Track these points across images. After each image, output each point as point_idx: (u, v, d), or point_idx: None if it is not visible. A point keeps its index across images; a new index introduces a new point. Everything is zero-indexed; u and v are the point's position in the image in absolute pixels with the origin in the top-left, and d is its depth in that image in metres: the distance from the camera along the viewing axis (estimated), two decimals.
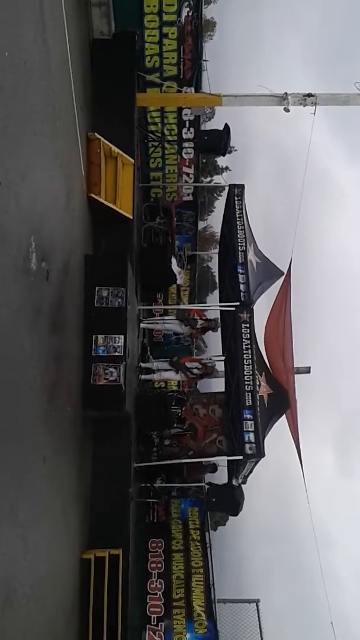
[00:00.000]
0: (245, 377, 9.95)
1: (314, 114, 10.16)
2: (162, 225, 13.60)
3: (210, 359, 12.78)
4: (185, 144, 12.93)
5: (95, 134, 8.29)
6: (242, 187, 11.63)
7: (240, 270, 10.63)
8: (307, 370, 12.50)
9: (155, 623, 9.44)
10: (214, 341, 13.25)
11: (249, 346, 10.18)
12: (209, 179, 33.00)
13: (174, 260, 12.49)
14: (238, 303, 10.42)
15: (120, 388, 7.82)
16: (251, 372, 10.01)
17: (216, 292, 16.34)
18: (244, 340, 10.19)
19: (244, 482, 11.22)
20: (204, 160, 23.74)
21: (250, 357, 10.12)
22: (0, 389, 4.30)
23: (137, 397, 10.02)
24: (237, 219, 11.18)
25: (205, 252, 22.52)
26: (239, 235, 10.96)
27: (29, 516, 4.99)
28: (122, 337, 8.01)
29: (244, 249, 10.84)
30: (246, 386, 9.89)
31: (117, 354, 7.91)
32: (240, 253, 10.78)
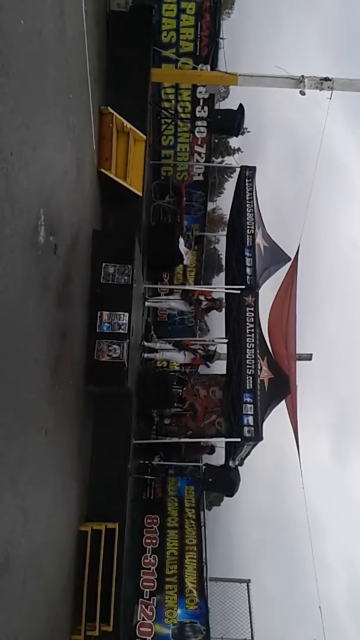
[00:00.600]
0: (247, 361, 9.98)
1: (330, 98, 10.03)
2: (171, 204, 13.52)
3: (213, 341, 12.81)
4: (198, 123, 12.79)
5: (108, 108, 8.19)
6: (253, 169, 11.52)
7: (247, 254, 10.60)
8: (309, 357, 12.54)
9: (147, 597, 9.62)
10: (217, 323, 13.27)
11: (252, 330, 10.19)
12: (220, 159, 32.70)
13: (181, 240, 12.43)
14: (244, 286, 10.41)
15: (122, 365, 7.85)
16: (253, 356, 10.04)
17: (222, 275, 16.28)
18: (247, 324, 10.20)
19: (241, 464, 11.32)
20: (216, 140, 23.54)
21: (253, 341, 10.14)
22: (5, 360, 4.32)
23: (139, 375, 10.06)
24: (247, 201, 11.10)
25: (213, 234, 22.44)
26: (248, 218, 10.89)
27: (29, 487, 5.04)
28: (126, 314, 8.01)
29: (253, 232, 10.79)
30: (247, 370, 9.93)
31: (121, 331, 7.93)
32: (248, 236, 10.73)
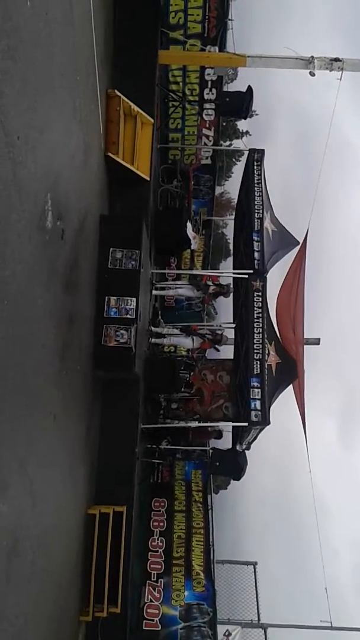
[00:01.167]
0: (255, 346, 9.98)
1: (340, 79, 9.89)
2: (178, 189, 13.43)
3: (220, 326, 12.80)
4: (206, 105, 12.64)
5: (115, 91, 8.10)
6: (262, 152, 11.41)
7: (255, 238, 10.53)
8: (317, 341, 12.49)
9: (155, 579, 9.74)
10: (225, 308, 13.24)
11: (260, 315, 10.17)
12: (228, 142, 32.36)
13: (189, 225, 12.36)
14: (251, 271, 10.37)
15: (130, 350, 7.87)
16: (261, 341, 10.03)
17: (229, 259, 16.22)
18: (255, 308, 10.17)
19: (248, 448, 11.38)
20: (224, 124, 23.29)
21: (260, 325, 10.12)
22: (13, 345, 4.33)
23: (146, 360, 10.08)
24: (256, 184, 11.01)
25: (221, 218, 22.32)
26: (256, 202, 10.81)
27: (38, 471, 5.09)
28: (134, 299, 8.00)
29: (261, 216, 10.71)
30: (255, 354, 9.93)
31: (128, 316, 7.93)
32: (256, 220, 10.66)
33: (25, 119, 4.38)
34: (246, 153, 11.75)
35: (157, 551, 10.18)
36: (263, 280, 10.34)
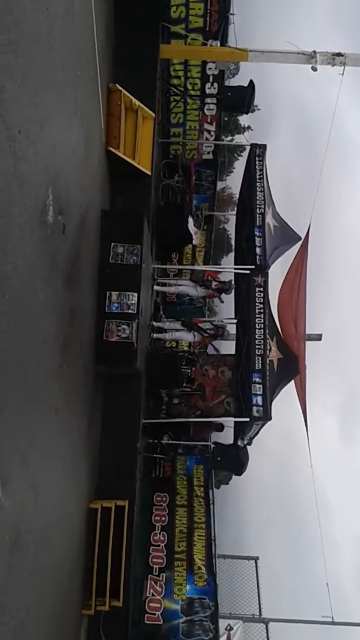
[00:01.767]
0: (256, 341, 9.97)
1: (342, 74, 9.83)
2: (180, 184, 13.40)
3: (222, 321, 12.79)
4: (208, 100, 12.59)
5: (117, 85, 8.08)
6: (264, 147, 11.37)
7: (257, 233, 10.51)
8: (319, 337, 12.47)
9: (156, 573, 9.75)
10: (226, 303, 13.23)
11: (261, 310, 10.15)
12: (230, 137, 32.29)
13: (190, 220, 12.34)
14: (253, 266, 10.35)
15: (132, 345, 7.87)
16: (262, 336, 10.02)
17: (231, 255, 16.20)
18: (257, 304, 10.16)
19: (249, 443, 11.39)
20: (226, 118, 23.20)
21: (262, 321, 10.11)
22: (15, 339, 4.33)
23: (148, 355, 10.08)
24: (257, 179, 10.97)
25: (223, 213, 22.24)
26: (258, 197, 10.78)
27: (40, 465, 5.11)
28: (135, 294, 8.00)
29: (263, 211, 10.68)
30: (257, 350, 9.92)
31: (130, 311, 7.93)
32: (258, 215, 10.63)
33: (26, 113, 4.37)
34: (248, 148, 11.72)
35: (159, 545, 10.20)
36: (265, 275, 10.32)
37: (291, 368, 10.86)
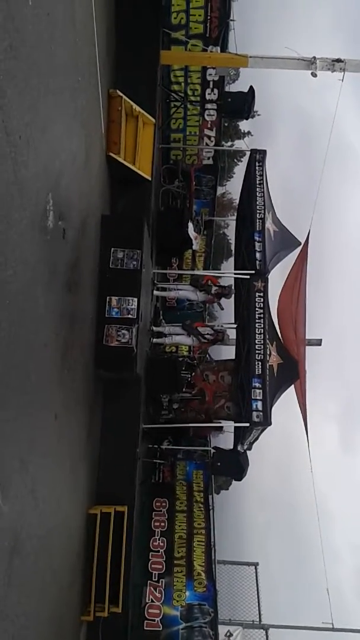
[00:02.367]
0: (256, 346, 9.96)
1: (342, 80, 9.88)
2: (180, 189, 13.42)
3: (222, 325, 12.79)
4: (208, 106, 12.65)
5: (117, 91, 8.11)
6: (263, 152, 11.40)
7: (257, 238, 10.53)
8: (319, 342, 12.48)
9: (156, 579, 9.72)
10: (226, 308, 13.24)
11: (261, 315, 10.15)
12: (230, 143, 32.37)
13: (190, 225, 12.36)
14: (253, 271, 10.35)
15: (131, 350, 7.87)
16: (262, 341, 10.02)
17: (231, 260, 16.23)
18: (257, 309, 10.16)
19: (249, 448, 11.36)
20: (226, 124, 23.27)
21: (262, 326, 10.10)
22: (15, 344, 4.33)
23: (148, 360, 10.08)
24: (257, 185, 11.00)
25: (223, 219, 22.30)
26: (257, 202, 10.80)
27: (39, 471, 5.09)
28: (135, 299, 8.01)
29: (262, 216, 10.70)
30: (257, 355, 9.91)
31: (130, 316, 7.93)
32: (258, 220, 10.65)
33: (27, 118, 4.38)
34: (248, 153, 11.74)
35: (158, 551, 10.17)
36: (265, 280, 10.33)
37: (291, 373, 10.86)
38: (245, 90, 12.30)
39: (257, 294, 10.23)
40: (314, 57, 9.71)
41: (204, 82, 12.22)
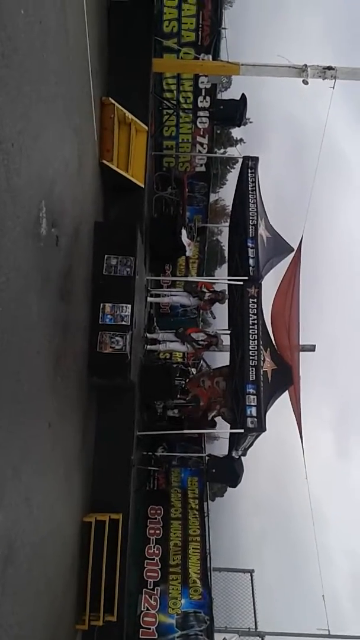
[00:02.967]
0: (250, 352, 9.96)
1: (333, 87, 9.95)
2: (173, 196, 13.47)
3: (215, 331, 12.80)
4: (201, 113, 12.71)
5: (110, 98, 8.15)
6: (256, 159, 11.44)
7: (250, 245, 10.55)
8: (312, 348, 12.51)
9: (151, 587, 9.66)
10: (220, 314, 13.26)
11: (255, 321, 10.16)
12: (222, 150, 32.54)
13: (184, 232, 12.39)
14: (246, 278, 10.37)
15: (125, 357, 7.86)
16: (256, 347, 10.02)
17: (224, 266, 16.26)
18: (250, 315, 10.17)
19: (244, 454, 11.35)
20: (218, 131, 23.40)
21: (256, 332, 10.12)
22: (8, 352, 4.32)
23: (142, 367, 10.07)
24: (250, 191, 11.03)
25: (216, 225, 22.38)
26: (250, 209, 10.83)
27: (33, 479, 5.07)
28: (129, 306, 8.01)
29: (255, 222, 10.73)
30: (251, 361, 9.91)
31: (123, 323, 7.92)
32: (251, 227, 10.68)
33: (20, 126, 4.39)
34: (240, 160, 11.79)
35: (153, 559, 10.11)
36: (258, 286, 10.34)
37: (285, 379, 10.87)
38: (237, 97, 12.36)
39: (250, 300, 10.24)
40: (305, 65, 9.77)
41: (196, 90, 12.28)
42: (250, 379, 9.81)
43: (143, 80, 9.54)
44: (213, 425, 12.00)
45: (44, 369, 5.50)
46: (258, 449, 11.28)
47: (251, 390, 9.78)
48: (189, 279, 14.33)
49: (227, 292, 12.00)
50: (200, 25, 11.09)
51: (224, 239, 19.64)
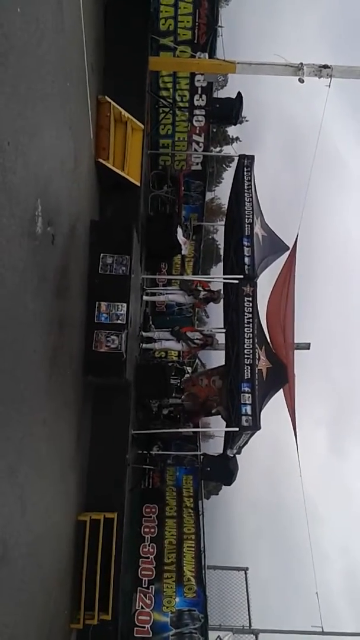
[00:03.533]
0: (245, 351, 9.97)
1: (329, 86, 9.96)
2: (169, 194, 13.45)
3: (211, 330, 12.81)
4: (197, 112, 12.66)
5: (106, 97, 8.13)
6: (252, 158, 11.43)
7: (245, 243, 10.54)
8: (307, 346, 12.54)
9: (146, 586, 9.69)
10: (215, 313, 13.27)
11: (250, 320, 10.17)
12: (218, 148, 32.49)
13: (179, 230, 12.38)
14: (242, 276, 10.37)
15: (121, 356, 7.85)
16: (251, 346, 10.03)
17: (220, 265, 16.25)
18: (245, 313, 10.17)
19: (239, 452, 11.37)
20: (214, 130, 23.37)
21: (251, 330, 10.12)
22: (3, 350, 4.31)
23: (137, 365, 10.06)
24: (246, 190, 11.02)
25: (212, 224, 22.34)
26: (246, 207, 10.82)
27: (28, 477, 5.07)
28: (124, 305, 8.00)
29: (251, 221, 10.72)
30: (246, 359, 9.92)
31: (119, 321, 7.92)
32: (246, 225, 10.67)
33: (16, 125, 4.38)
34: (236, 159, 11.78)
35: (148, 557, 10.13)
36: (253, 285, 10.35)
37: (280, 377, 10.88)
38: (233, 96, 12.36)
39: (245, 298, 10.24)
40: (301, 63, 9.78)
41: (193, 88, 12.24)
42: (245, 378, 9.82)
43: (139, 78, 9.52)
44: (208, 414, 11.97)
45: (39, 368, 5.49)
46: (253, 448, 11.32)
47: (246, 389, 9.79)
48: (185, 277, 14.31)
49: (222, 291, 12.01)
50: (197, 24, 11.06)
51: (219, 237, 19.68)
